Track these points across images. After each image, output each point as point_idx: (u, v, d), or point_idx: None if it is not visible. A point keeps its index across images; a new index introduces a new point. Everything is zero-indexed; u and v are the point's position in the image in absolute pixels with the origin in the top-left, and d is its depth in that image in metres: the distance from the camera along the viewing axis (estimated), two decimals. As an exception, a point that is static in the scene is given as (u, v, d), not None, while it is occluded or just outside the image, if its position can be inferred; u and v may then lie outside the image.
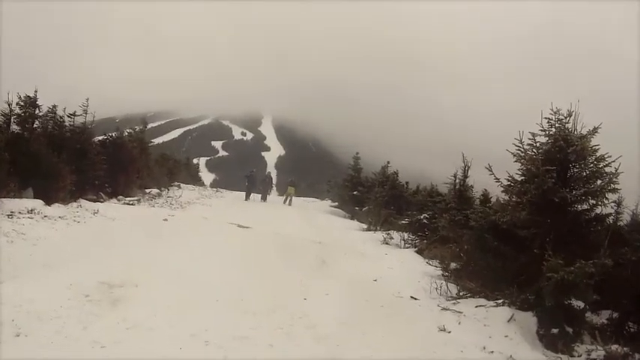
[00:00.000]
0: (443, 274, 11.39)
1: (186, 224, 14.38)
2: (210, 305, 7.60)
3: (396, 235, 18.42)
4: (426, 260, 13.56)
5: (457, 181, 17.27)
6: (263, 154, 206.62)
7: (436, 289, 10.21)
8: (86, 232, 10.94)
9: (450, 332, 7.78)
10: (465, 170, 17.10)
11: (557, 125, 9.04)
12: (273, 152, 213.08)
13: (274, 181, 34.28)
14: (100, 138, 21.40)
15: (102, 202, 17.83)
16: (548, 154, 8.99)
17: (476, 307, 8.75)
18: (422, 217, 17.91)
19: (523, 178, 9.22)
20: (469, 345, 7.33)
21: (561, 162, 8.93)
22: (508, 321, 8.09)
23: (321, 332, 7.11)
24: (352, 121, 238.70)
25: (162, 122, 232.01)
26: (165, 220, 14.46)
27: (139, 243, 10.72)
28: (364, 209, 27.74)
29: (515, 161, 9.45)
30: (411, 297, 9.77)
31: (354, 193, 30.73)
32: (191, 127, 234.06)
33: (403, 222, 18.28)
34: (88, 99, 18.34)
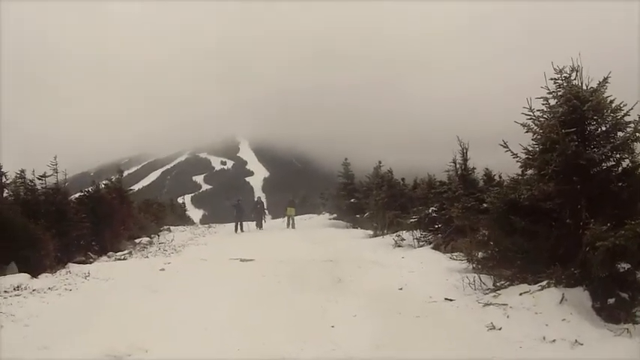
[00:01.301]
0: (473, 267, 10.86)
1: (184, 270, 13.71)
2: (232, 357, 6.99)
3: (406, 236, 17.92)
4: (449, 255, 13.00)
5: (457, 166, 16.80)
6: (247, 179, 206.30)
7: (469, 284, 9.68)
8: (80, 299, 10.27)
9: (500, 329, 7.24)
10: (464, 153, 16.66)
11: (565, 84, 8.55)
12: (257, 176, 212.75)
13: (265, 205, 33.37)
14: (77, 195, 20.79)
15: (92, 262, 17.21)
16: (562, 116, 8.49)
17: (520, 295, 8.20)
18: (430, 210, 17.35)
19: (542, 147, 8.68)
20: (526, 339, 6.81)
21: (577, 122, 8.43)
22: (560, 302, 7.55)
23: (360, 361, 6.55)
24: (333, 126, 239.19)
25: (139, 167, 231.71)
26: (162, 269, 13.81)
27: (138, 301, 10.03)
28: (365, 215, 27.24)
29: (527, 132, 8.96)
30: (446, 299, 9.22)
31: (352, 200, 30.24)
32: (169, 166, 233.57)
33: (412, 220, 17.71)
34: (55, 157, 17.70)
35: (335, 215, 34.20)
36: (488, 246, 10.81)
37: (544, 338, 6.73)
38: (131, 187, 35.88)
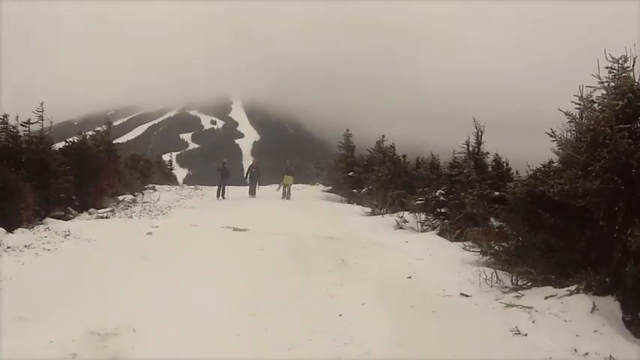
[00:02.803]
0: (489, 261, 10.40)
1: (174, 236, 13.19)
2: (232, 343, 6.50)
3: (408, 217, 17.44)
4: (459, 244, 12.50)
5: (471, 149, 16.30)
6: (237, 141, 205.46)
7: (485, 280, 9.20)
8: (60, 262, 9.72)
9: (526, 335, 6.77)
10: (479, 136, 16.14)
11: (622, 75, 7.98)
12: (248, 139, 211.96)
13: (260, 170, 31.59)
14: (61, 145, 20.14)
15: (72, 218, 16.71)
16: (613, 109, 7.93)
17: (546, 298, 7.73)
18: (437, 193, 16.83)
19: (590, 141, 8.12)
20: (556, 349, 6.33)
21: (630, 117, 7.89)
22: (591, 311, 7.09)
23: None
24: (334, 95, 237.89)
25: (125, 120, 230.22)
26: (150, 233, 13.30)
27: (125, 269, 9.52)
28: (363, 191, 26.71)
29: (570, 121, 8.44)
30: (461, 294, 8.75)
31: (350, 174, 29.60)
32: (156, 121, 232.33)
33: (418, 202, 17.19)
34: (42, 103, 16.99)
35: (330, 187, 33.65)
36: (507, 239, 10.36)
37: (575, 350, 6.26)
38: (117, 140, 35.11)
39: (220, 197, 28.72)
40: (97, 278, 8.85)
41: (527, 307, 7.56)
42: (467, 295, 8.64)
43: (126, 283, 8.68)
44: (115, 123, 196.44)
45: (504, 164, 17.23)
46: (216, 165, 32.03)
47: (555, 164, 9.77)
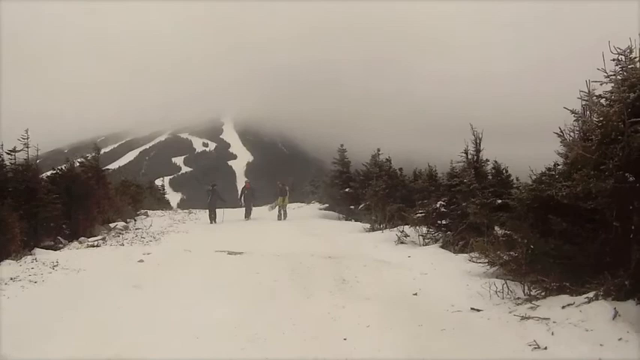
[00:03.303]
0: (497, 272, 10.05)
1: (167, 263, 12.78)
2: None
3: (409, 231, 17.11)
4: (465, 256, 12.17)
5: (469, 157, 16.02)
6: (230, 163, 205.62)
7: (496, 292, 8.85)
8: (47, 295, 9.35)
9: (546, 348, 6.38)
10: (477, 143, 15.88)
11: (629, 67, 7.68)
12: (241, 160, 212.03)
13: (254, 191, 30.96)
14: (49, 173, 19.79)
15: (62, 247, 16.35)
16: (624, 102, 7.62)
17: (563, 307, 7.36)
18: (438, 205, 16.51)
19: (601, 138, 7.80)
20: (580, 362, 5.98)
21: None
22: (613, 318, 6.72)
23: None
24: (325, 110, 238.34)
25: (115, 145, 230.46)
26: (141, 261, 12.92)
27: (115, 299, 9.12)
28: (361, 207, 26.37)
29: (577, 119, 8.16)
30: (472, 308, 8.38)
31: (346, 190, 29.31)
32: (147, 146, 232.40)
33: (418, 215, 16.85)
34: (27, 130, 16.64)
35: (327, 205, 33.30)
36: (516, 248, 10.01)
37: (601, 362, 5.91)
38: (107, 167, 34.71)
39: (213, 222, 27.90)
40: (85, 310, 8.47)
41: (544, 319, 7.19)
42: (478, 310, 8.27)
43: (116, 314, 8.30)
44: (106, 149, 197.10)
45: (504, 171, 16.98)
46: (205, 188, 31.12)
47: (560, 167, 9.53)
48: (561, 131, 8.35)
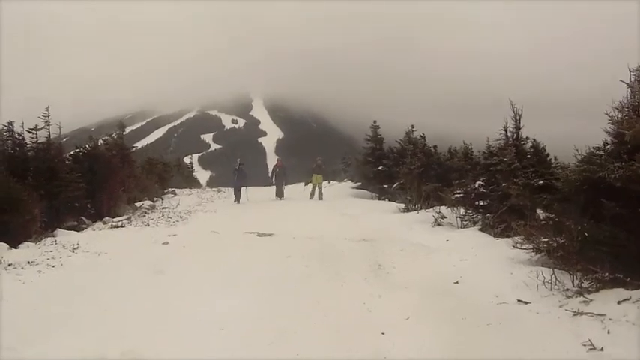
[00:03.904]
0: (545, 259, 9.51)
1: (192, 245, 12.44)
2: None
3: (447, 212, 16.58)
4: (507, 241, 11.62)
5: (509, 134, 15.40)
6: (259, 140, 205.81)
7: (544, 282, 8.33)
8: (65, 280, 9.02)
9: (602, 349, 5.88)
10: (517, 120, 15.22)
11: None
12: (271, 137, 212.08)
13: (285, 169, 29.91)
14: (72, 152, 19.64)
15: (85, 228, 16.17)
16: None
17: (619, 302, 6.84)
18: (477, 185, 15.90)
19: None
20: (643, 365, 5.47)
21: None
22: (676, 316, 6.21)
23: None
24: (354, 87, 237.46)
25: (143, 123, 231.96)
26: (166, 243, 12.60)
27: (135, 286, 8.76)
28: (394, 186, 25.82)
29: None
30: (518, 300, 7.87)
31: (380, 168, 28.73)
32: (175, 123, 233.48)
33: (457, 195, 16.28)
34: (48, 107, 16.40)
35: (359, 184, 32.79)
36: (563, 233, 9.44)
37: (666, 366, 5.40)
38: (134, 145, 34.58)
39: (238, 201, 27.24)
40: (103, 298, 8.11)
41: (599, 315, 6.66)
42: (525, 302, 7.76)
43: (136, 303, 7.94)
44: (134, 127, 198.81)
45: (542, 149, 16.31)
46: (232, 166, 30.06)
47: (609, 147, 9.00)
48: (621, 105, 7.77)
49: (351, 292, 8.58)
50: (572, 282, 8.18)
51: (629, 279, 7.42)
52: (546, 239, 9.66)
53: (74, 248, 11.49)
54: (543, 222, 11.55)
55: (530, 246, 10.21)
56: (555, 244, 9.33)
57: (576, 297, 7.60)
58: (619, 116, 9.75)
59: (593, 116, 9.80)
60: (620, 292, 7.13)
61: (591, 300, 7.23)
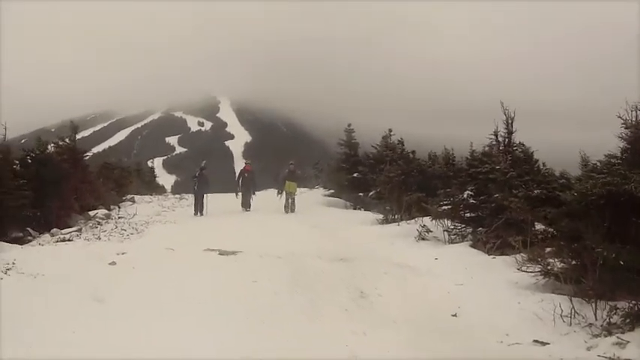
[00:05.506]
0: (557, 284, 8.39)
1: (142, 266, 10.92)
2: None
3: (431, 225, 15.41)
4: (517, 264, 10.31)
5: (500, 140, 14.43)
6: (227, 143, 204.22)
7: (561, 316, 7.20)
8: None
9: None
10: (509, 124, 14.21)
11: None
12: (238, 140, 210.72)
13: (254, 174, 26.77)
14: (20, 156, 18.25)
15: (30, 240, 14.83)
16: None
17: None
18: (465, 195, 14.70)
19: None
20: None
21: None
22: None
23: None
24: (327, 87, 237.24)
25: (106, 124, 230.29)
26: (113, 263, 11.17)
27: (68, 319, 7.45)
28: (371, 194, 24.64)
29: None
30: (534, 341, 6.71)
31: (355, 175, 27.56)
32: (139, 125, 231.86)
33: (444, 206, 15.07)
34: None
35: (332, 191, 31.56)
36: (579, 255, 8.31)
37: None
38: (92, 148, 33.06)
39: (198, 213, 24.09)
40: (26, 336, 6.76)
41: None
42: (543, 343, 6.61)
43: (70, 339, 6.61)
44: (96, 128, 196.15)
45: (531, 155, 15.31)
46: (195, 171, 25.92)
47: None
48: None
49: (329, 329, 7.40)
50: (595, 314, 7.07)
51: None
52: (559, 261, 8.58)
53: (7, 269, 10.08)
54: (541, 235, 10.68)
55: (538, 268, 9.09)
56: (570, 268, 8.25)
57: (605, 336, 6.47)
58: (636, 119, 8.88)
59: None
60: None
61: (627, 342, 6.09)
